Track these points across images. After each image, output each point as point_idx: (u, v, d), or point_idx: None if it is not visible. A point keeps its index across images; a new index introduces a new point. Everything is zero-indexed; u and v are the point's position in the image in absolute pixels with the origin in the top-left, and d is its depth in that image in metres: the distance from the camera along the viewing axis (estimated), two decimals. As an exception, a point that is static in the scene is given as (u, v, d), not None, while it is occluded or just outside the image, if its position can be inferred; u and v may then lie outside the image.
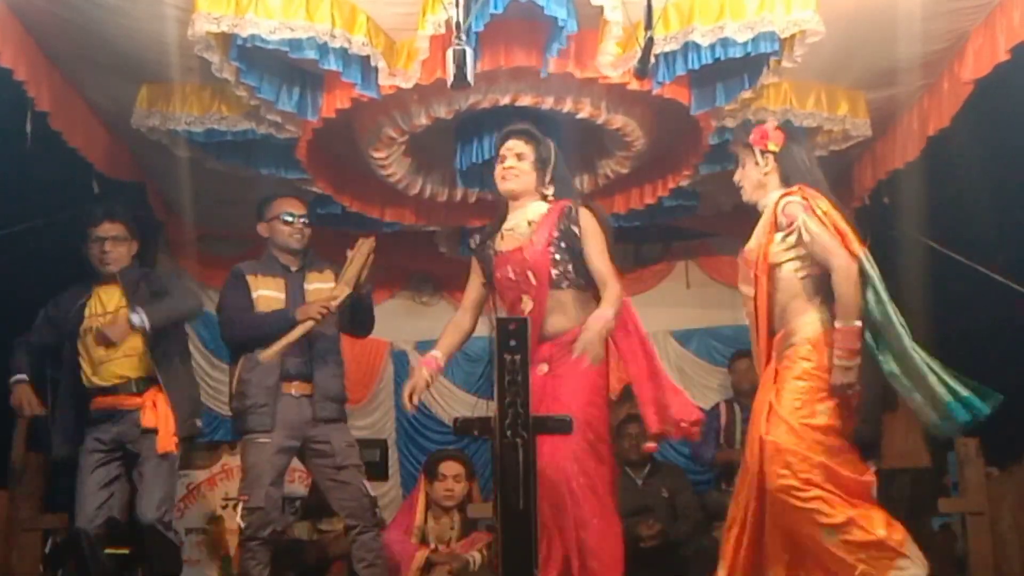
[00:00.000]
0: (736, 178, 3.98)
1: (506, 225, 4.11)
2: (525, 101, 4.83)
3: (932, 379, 3.53)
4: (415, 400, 4.03)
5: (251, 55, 4.45)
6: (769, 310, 3.74)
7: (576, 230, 3.97)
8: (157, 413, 4.55)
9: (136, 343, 4.64)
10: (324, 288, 4.67)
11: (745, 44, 4.37)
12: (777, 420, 3.62)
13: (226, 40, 4.34)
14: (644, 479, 5.87)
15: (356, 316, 4.73)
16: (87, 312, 4.67)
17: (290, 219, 4.67)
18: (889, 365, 3.62)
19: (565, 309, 3.94)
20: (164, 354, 4.67)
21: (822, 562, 3.53)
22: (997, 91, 4.56)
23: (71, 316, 4.66)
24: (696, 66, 4.52)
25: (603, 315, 3.80)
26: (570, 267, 3.96)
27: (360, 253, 4.56)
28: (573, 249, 3.97)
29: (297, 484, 5.84)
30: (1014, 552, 4.78)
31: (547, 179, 4.08)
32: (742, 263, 3.92)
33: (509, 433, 2.70)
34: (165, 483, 4.57)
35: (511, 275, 4.03)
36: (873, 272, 3.62)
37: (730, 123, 5.08)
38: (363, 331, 4.91)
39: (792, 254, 3.72)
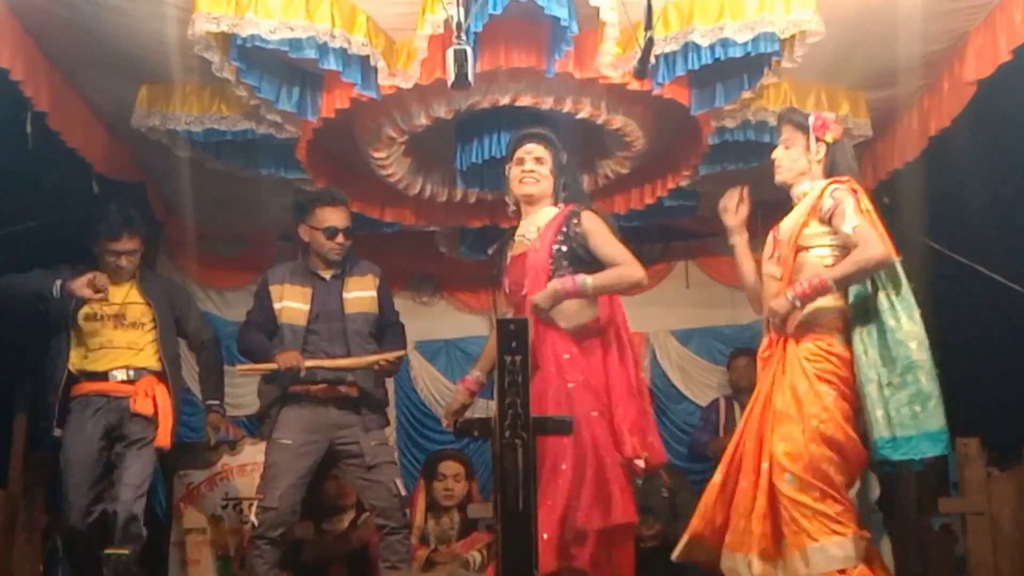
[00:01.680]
0: (776, 156, 3.95)
1: (519, 231, 4.15)
2: (525, 101, 4.82)
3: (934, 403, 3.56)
4: (448, 423, 4.26)
5: (251, 55, 4.45)
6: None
7: (579, 232, 3.98)
8: (153, 403, 4.55)
9: (141, 338, 4.64)
10: (364, 296, 4.68)
11: (745, 44, 4.37)
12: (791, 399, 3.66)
13: (226, 40, 4.33)
14: (644, 479, 5.86)
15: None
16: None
17: (333, 234, 4.65)
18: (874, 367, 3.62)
19: (564, 310, 3.95)
20: (170, 360, 4.71)
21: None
22: (997, 91, 4.56)
23: (72, 301, 4.62)
24: (696, 66, 4.52)
25: (574, 281, 3.86)
26: (568, 268, 3.96)
27: (388, 367, 4.68)
28: (574, 252, 3.97)
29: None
30: (1014, 552, 4.78)
31: (562, 185, 4.11)
32: (771, 242, 3.91)
33: (509, 434, 2.70)
34: (144, 470, 4.52)
35: (517, 280, 4.06)
36: (901, 283, 3.64)
37: (730, 123, 5.09)
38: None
39: (826, 240, 3.74)
